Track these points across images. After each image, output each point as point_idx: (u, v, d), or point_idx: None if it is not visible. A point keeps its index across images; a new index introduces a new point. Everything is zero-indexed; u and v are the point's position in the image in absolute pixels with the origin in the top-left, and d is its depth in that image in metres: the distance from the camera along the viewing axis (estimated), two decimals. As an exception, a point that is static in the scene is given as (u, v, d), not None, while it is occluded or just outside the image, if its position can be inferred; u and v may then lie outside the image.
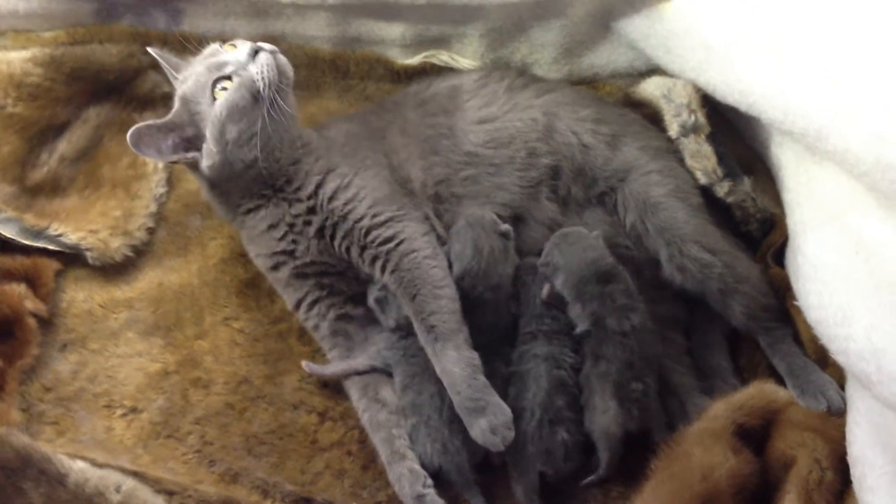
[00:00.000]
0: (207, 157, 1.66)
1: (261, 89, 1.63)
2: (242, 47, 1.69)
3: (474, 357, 1.59)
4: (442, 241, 1.76)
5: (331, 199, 1.71)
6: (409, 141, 1.82)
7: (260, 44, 1.69)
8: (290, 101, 1.70)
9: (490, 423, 1.52)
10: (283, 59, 1.69)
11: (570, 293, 1.69)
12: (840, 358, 1.38)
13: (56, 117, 2.00)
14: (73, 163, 1.98)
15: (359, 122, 1.87)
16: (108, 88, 2.05)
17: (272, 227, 1.74)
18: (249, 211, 1.75)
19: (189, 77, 1.70)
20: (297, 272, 1.75)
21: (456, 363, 1.58)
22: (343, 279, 1.76)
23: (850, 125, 1.34)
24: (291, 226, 1.73)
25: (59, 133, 2.01)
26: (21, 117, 1.94)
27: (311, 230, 1.72)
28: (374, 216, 1.69)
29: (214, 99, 1.64)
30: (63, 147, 1.99)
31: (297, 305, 1.77)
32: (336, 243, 1.72)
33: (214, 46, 1.76)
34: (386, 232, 1.68)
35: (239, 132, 1.64)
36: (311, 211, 1.72)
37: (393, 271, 1.67)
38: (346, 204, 1.70)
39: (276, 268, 1.76)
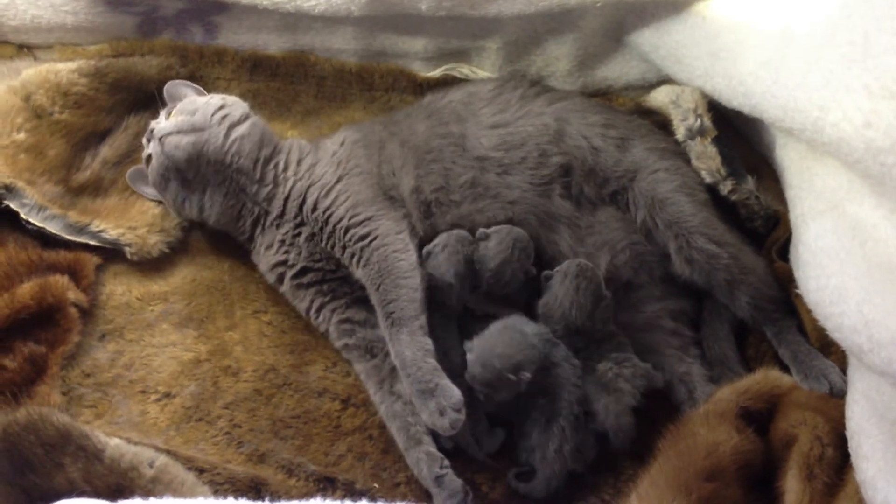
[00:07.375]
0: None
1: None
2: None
3: (427, 342, 1.64)
4: (421, 240, 1.82)
5: (314, 209, 1.80)
6: (408, 152, 1.88)
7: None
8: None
9: (438, 405, 1.56)
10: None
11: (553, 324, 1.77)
12: (836, 335, 1.43)
13: (99, 124, 2.06)
14: (115, 166, 2.04)
15: (362, 131, 1.95)
16: (148, 98, 2.09)
17: (268, 248, 1.85)
18: (247, 240, 1.89)
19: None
20: (296, 282, 1.83)
21: (408, 346, 1.63)
22: (344, 283, 1.83)
23: (840, 116, 1.40)
24: (283, 241, 1.83)
25: (102, 139, 2.06)
26: (67, 124, 1.99)
27: (301, 238, 1.82)
28: (353, 216, 1.78)
29: None
30: (105, 151, 2.04)
31: (307, 313, 1.84)
32: (323, 243, 1.80)
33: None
34: (362, 230, 1.76)
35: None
36: (300, 224, 1.82)
37: (365, 265, 1.75)
38: (326, 210, 1.80)
39: (279, 280, 1.85)
